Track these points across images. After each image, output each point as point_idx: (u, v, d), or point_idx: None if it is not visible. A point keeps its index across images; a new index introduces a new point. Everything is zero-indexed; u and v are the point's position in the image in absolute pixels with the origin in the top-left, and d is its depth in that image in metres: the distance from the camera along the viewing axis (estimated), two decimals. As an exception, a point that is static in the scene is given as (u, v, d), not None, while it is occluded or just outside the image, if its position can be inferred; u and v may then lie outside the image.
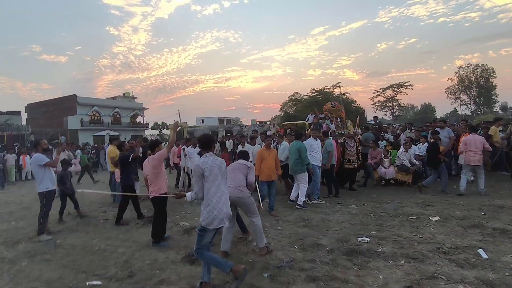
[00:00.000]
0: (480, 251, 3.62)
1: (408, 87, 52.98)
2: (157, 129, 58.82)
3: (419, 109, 69.82)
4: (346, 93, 47.00)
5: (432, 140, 6.67)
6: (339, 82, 46.65)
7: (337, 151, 7.54)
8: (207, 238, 3.17)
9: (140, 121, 44.60)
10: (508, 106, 56.48)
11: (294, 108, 46.96)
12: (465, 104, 55.23)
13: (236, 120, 61.07)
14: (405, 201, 6.44)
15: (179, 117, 46.99)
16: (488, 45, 74.13)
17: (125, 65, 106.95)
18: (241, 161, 4.56)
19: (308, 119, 20.05)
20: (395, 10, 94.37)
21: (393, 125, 20.80)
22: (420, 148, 8.12)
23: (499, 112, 51.44)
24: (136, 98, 47.07)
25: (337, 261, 3.64)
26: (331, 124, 16.98)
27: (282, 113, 48.47)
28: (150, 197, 4.75)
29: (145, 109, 45.48)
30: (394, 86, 54.04)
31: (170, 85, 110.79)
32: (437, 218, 5.05)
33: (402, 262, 3.50)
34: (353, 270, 3.37)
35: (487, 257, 3.49)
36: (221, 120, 56.42)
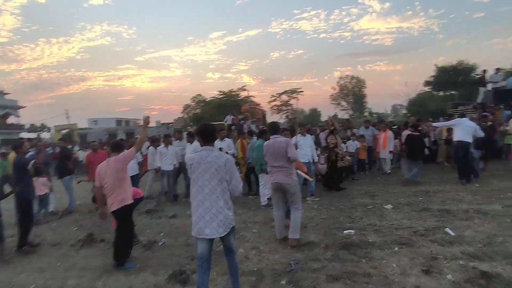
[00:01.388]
0: (447, 230, 4.18)
1: (299, 93, 58.68)
2: (34, 132, 49.55)
3: (308, 113, 78.98)
4: (251, 96, 49.22)
5: (416, 134, 7.48)
6: (244, 86, 48.47)
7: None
8: (198, 249, 2.71)
9: (13, 122, 36.41)
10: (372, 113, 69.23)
11: (198, 110, 46.43)
12: (344, 110, 64.74)
13: (135, 121, 56.21)
14: (351, 194, 7.01)
15: (67, 117, 40.57)
16: (357, 60, 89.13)
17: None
18: (274, 138, 4.20)
19: (227, 120, 20.12)
20: (286, 23, 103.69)
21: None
22: (351, 145, 9.03)
23: (368, 117, 62.16)
24: (8, 94, 38.30)
25: (341, 256, 3.64)
26: (252, 124, 17.51)
27: (185, 115, 47.24)
28: (111, 210, 3.84)
29: (22, 107, 37.47)
30: (288, 91, 58.97)
31: (48, 81, 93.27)
32: (390, 206, 5.66)
33: (396, 248, 3.75)
34: (363, 263, 3.42)
35: (454, 234, 4.06)
36: (119, 121, 50.91)
